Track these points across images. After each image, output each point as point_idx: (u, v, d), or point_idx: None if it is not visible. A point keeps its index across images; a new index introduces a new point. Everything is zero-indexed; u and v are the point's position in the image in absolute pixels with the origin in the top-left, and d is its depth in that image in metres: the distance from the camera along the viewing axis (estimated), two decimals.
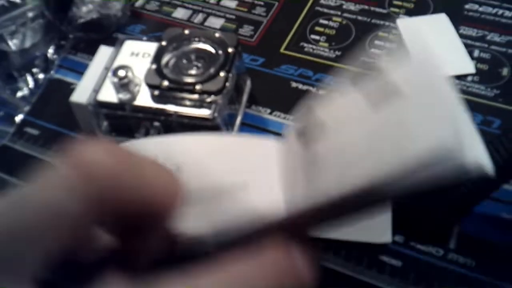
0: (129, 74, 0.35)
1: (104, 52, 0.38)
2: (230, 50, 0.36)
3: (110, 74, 0.36)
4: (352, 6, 0.47)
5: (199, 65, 0.36)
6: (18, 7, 0.42)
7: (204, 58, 0.36)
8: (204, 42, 0.37)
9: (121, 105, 0.35)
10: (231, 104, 0.37)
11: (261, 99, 0.40)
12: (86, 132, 0.38)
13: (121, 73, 0.35)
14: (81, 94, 0.36)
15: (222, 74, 0.35)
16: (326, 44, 0.44)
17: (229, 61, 0.36)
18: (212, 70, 0.35)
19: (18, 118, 0.40)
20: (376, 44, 0.44)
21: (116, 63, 0.37)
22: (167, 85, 0.34)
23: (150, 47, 0.38)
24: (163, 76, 0.35)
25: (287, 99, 0.40)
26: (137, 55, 0.38)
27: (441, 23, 0.44)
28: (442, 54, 0.42)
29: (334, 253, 0.32)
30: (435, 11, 0.45)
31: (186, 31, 0.37)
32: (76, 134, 0.39)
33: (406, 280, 0.30)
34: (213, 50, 0.37)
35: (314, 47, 0.44)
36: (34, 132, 0.39)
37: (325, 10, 0.47)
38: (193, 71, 0.36)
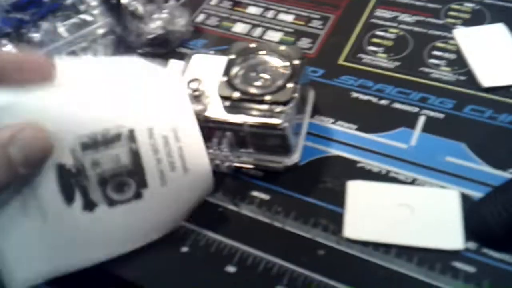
0: (201, 86, 0.36)
1: (174, 66, 0.40)
2: (296, 62, 0.37)
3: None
4: (408, 18, 0.48)
5: (267, 77, 0.37)
6: (89, 25, 0.44)
7: (270, 70, 0.38)
8: (270, 55, 0.38)
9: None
10: (298, 114, 0.38)
11: (323, 109, 0.41)
12: None
13: (194, 85, 0.36)
14: None
15: (289, 85, 0.36)
16: (384, 55, 0.45)
17: (295, 73, 0.37)
18: (280, 82, 0.36)
19: None
20: (434, 54, 0.44)
21: (187, 76, 0.38)
22: (238, 96, 0.36)
23: (216, 60, 0.39)
24: (233, 88, 0.36)
25: (349, 109, 0.41)
26: (205, 68, 0.39)
27: (499, 33, 0.45)
28: (501, 64, 0.42)
29: (407, 259, 0.32)
30: (492, 21, 0.46)
31: (253, 45, 0.39)
32: None
33: (480, 287, 0.31)
34: (279, 63, 0.38)
35: (372, 58, 0.45)
36: None
37: (381, 22, 0.48)
38: (261, 83, 0.37)
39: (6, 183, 0.27)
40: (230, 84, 0.37)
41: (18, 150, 0.26)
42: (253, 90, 0.36)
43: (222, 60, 0.39)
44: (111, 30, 0.44)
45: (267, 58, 0.38)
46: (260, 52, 0.39)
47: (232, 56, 0.38)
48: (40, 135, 0.28)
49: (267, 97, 0.36)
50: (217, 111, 0.36)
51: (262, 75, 0.38)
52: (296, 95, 0.36)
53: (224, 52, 0.41)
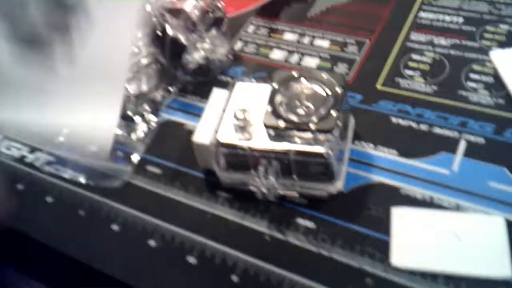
0: (246, 115, 0.38)
1: (217, 94, 0.41)
2: (338, 90, 0.38)
3: (227, 115, 0.39)
4: (443, 41, 0.48)
5: (310, 105, 0.38)
6: (134, 55, 0.45)
7: (313, 98, 0.39)
8: (313, 83, 0.39)
9: (240, 145, 0.37)
10: (341, 141, 0.39)
11: (364, 135, 0.42)
12: (203, 168, 0.41)
13: (239, 114, 0.37)
14: (202, 135, 0.39)
15: (333, 113, 0.37)
16: (421, 79, 0.45)
17: (338, 100, 0.38)
18: (323, 110, 0.37)
19: (135, 157, 0.44)
20: (471, 77, 0.45)
21: (231, 105, 0.40)
22: (283, 125, 0.37)
23: (259, 88, 0.40)
24: (278, 117, 0.37)
25: (389, 134, 0.42)
26: (248, 96, 0.40)
27: None
28: None
29: (455, 286, 0.33)
30: None
31: (295, 73, 0.40)
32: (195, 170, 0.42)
33: None
34: (322, 90, 0.39)
35: (409, 82, 0.45)
36: (154, 170, 0.43)
37: (417, 46, 0.48)
38: (304, 111, 0.38)
39: None
40: (275, 113, 0.38)
41: None
42: (297, 119, 0.37)
43: (264, 88, 0.40)
44: (155, 59, 0.46)
45: (310, 85, 0.39)
46: (303, 80, 0.40)
47: (275, 85, 0.39)
48: None
49: (311, 126, 0.36)
50: (262, 140, 0.37)
51: (305, 103, 0.38)
52: (339, 122, 0.37)
53: (265, 79, 0.42)
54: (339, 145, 0.38)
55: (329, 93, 0.38)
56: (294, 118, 0.37)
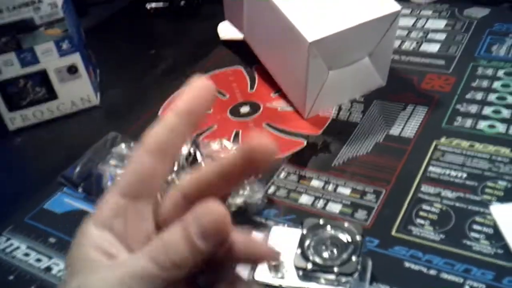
0: (280, 257, 0.45)
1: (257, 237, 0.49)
2: (358, 238, 0.45)
3: None
4: (449, 194, 0.56)
5: (334, 249, 0.45)
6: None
7: (337, 243, 0.46)
8: (336, 230, 0.47)
9: (273, 284, 0.44)
10: (360, 282, 0.45)
11: (380, 277, 0.48)
12: None
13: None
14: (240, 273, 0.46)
15: (354, 258, 0.44)
16: (430, 228, 0.52)
17: (358, 247, 0.45)
18: (345, 255, 0.44)
19: None
20: (474, 228, 0.52)
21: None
22: (311, 268, 0.44)
23: (291, 232, 0.48)
24: (307, 259, 0.44)
25: (402, 278, 0.48)
26: (281, 239, 0.48)
27: None
28: None
29: None
30: None
31: (321, 221, 0.47)
32: None
33: None
34: (344, 237, 0.46)
35: (420, 230, 0.52)
36: None
37: (426, 197, 0.56)
38: (329, 254, 0.45)
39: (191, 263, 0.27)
40: (304, 255, 0.45)
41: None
42: (322, 262, 0.44)
43: (296, 232, 0.47)
44: None
45: (334, 232, 0.47)
46: (328, 228, 0.47)
47: (305, 231, 0.47)
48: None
49: (336, 269, 0.43)
50: (293, 279, 0.44)
51: (330, 247, 0.46)
52: (359, 267, 0.44)
53: (295, 223, 0.49)
54: (359, 285, 0.45)
55: (350, 240, 0.46)
56: (319, 261, 0.44)
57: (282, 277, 0.44)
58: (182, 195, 0.29)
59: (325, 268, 0.44)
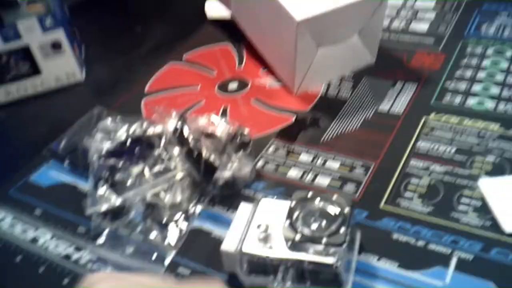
0: (268, 229, 0.44)
1: (244, 208, 0.48)
2: (347, 210, 0.45)
3: (252, 227, 0.45)
4: (438, 168, 0.56)
5: (323, 221, 0.45)
6: (170, 171, 0.53)
7: (326, 215, 0.45)
8: (325, 202, 0.46)
9: (261, 254, 0.44)
10: (348, 252, 0.45)
11: (368, 248, 0.48)
12: (229, 272, 0.47)
13: (262, 228, 0.44)
14: (229, 244, 0.45)
15: (342, 230, 0.44)
16: (419, 201, 0.52)
17: (347, 219, 0.44)
18: (333, 227, 0.44)
19: (168, 259, 0.50)
20: (462, 201, 0.52)
21: (255, 218, 0.46)
22: (299, 238, 0.43)
23: (280, 204, 0.47)
24: (295, 230, 0.44)
25: (390, 248, 0.48)
26: (270, 211, 0.47)
27: None
28: None
29: None
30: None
31: (310, 194, 0.47)
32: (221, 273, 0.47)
33: None
34: (332, 210, 0.46)
35: (409, 203, 0.52)
36: (185, 271, 0.49)
37: (415, 171, 0.56)
38: (317, 226, 0.44)
39: None
40: (292, 227, 0.44)
41: None
42: (311, 233, 0.44)
43: (285, 204, 0.47)
44: (188, 174, 0.54)
45: (322, 205, 0.46)
46: (317, 200, 0.47)
47: (294, 203, 0.46)
48: None
49: (324, 240, 0.43)
50: (281, 250, 0.44)
51: (318, 219, 0.45)
52: (347, 238, 0.43)
53: (285, 196, 0.49)
54: (347, 256, 0.44)
55: (339, 212, 0.45)
56: (308, 232, 0.44)
57: (271, 248, 0.44)
58: None
59: (313, 239, 0.43)
